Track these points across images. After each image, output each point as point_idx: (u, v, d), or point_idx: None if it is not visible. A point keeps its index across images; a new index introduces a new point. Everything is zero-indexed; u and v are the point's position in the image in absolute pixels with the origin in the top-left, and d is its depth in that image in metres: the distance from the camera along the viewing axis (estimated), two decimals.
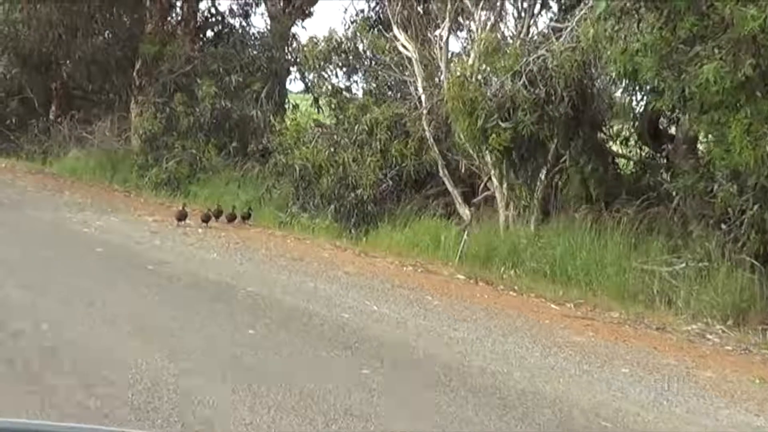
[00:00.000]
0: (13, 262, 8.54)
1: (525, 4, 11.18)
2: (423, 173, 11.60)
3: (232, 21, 16.75)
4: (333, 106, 13.19)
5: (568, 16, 10.55)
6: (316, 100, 14.11)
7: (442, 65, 11.22)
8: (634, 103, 10.69)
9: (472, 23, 11.74)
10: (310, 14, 16.07)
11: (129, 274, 8.45)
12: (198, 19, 16.51)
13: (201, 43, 16.14)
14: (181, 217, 11.22)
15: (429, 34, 12.13)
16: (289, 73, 15.47)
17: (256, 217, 11.91)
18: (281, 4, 15.82)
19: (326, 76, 13.21)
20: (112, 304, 7.15)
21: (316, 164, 11.74)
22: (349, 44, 12.57)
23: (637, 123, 11.14)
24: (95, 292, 7.50)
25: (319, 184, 11.69)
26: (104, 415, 4.71)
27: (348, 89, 12.98)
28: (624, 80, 8.76)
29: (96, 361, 5.65)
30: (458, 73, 10.54)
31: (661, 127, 11.31)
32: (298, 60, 14.66)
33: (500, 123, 9.74)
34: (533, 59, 9.74)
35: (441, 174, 11.42)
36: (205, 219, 11.33)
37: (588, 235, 9.60)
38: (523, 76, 9.70)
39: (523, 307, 8.26)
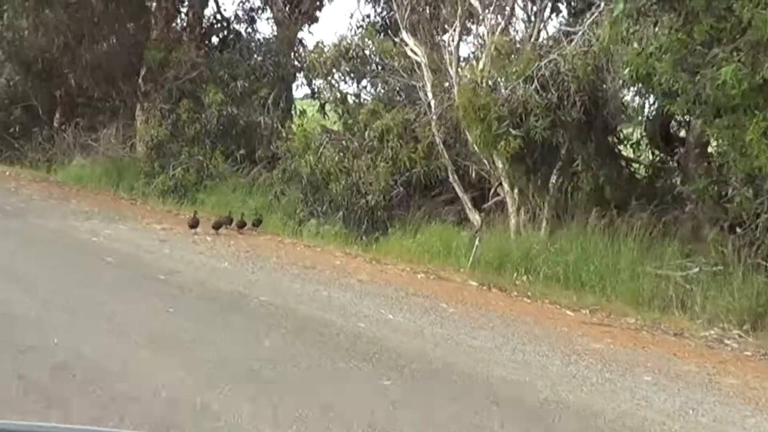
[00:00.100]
0: (22, 273, 8.43)
1: (535, 8, 11.10)
2: (432, 179, 11.51)
3: (237, 27, 16.68)
4: (340, 111, 13.11)
5: (579, 20, 10.48)
6: (322, 106, 14.03)
7: (452, 70, 11.13)
8: (646, 106, 10.61)
9: (481, 27, 11.67)
10: (316, 19, 15.98)
11: (140, 284, 8.35)
12: (203, 25, 16.43)
13: (206, 49, 16.03)
14: (194, 224, 11.15)
15: (437, 39, 12.05)
16: (295, 78, 15.37)
17: (264, 224, 11.83)
18: (287, 9, 15.72)
19: (334, 82, 13.12)
20: (125, 315, 7.05)
21: (324, 170, 11.66)
22: (357, 51, 12.46)
23: (647, 127, 11.06)
24: (107, 303, 7.41)
25: (328, 190, 11.61)
26: None
27: (357, 96, 12.87)
28: (637, 84, 8.68)
29: (111, 375, 5.54)
30: (468, 78, 10.46)
31: (671, 131, 11.24)
32: (305, 65, 14.56)
33: (511, 130, 9.67)
34: (545, 63, 9.66)
35: (451, 179, 11.33)
36: (217, 226, 11.25)
37: (601, 240, 9.53)
38: (535, 81, 9.62)
39: (538, 313, 8.18)
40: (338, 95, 12.92)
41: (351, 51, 12.53)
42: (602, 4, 9.81)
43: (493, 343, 6.91)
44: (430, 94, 11.52)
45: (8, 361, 5.68)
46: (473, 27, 12.25)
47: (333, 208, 11.58)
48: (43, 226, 11.46)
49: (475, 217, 11.09)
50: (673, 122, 11.06)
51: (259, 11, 16.71)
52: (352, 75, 12.93)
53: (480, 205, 11.20)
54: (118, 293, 7.87)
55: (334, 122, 13.54)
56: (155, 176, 14.23)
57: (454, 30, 11.42)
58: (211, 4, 16.70)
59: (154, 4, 16.16)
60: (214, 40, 16.73)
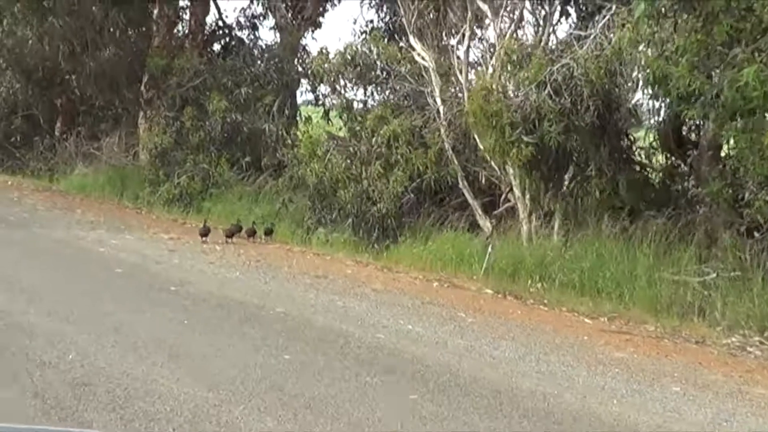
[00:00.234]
0: (31, 286, 8.27)
1: (544, 12, 10.98)
2: (442, 185, 11.38)
3: (239, 34, 16.57)
4: (346, 118, 12.96)
5: (590, 24, 10.37)
6: (326, 113, 13.90)
7: (461, 75, 11.01)
8: (662, 110, 10.50)
9: (489, 32, 11.56)
10: (319, 25, 15.88)
11: (152, 296, 8.19)
12: (205, 32, 16.31)
13: (209, 56, 15.92)
14: (205, 233, 11.02)
15: (445, 43, 11.93)
16: (299, 85, 15.25)
17: (273, 233, 11.67)
18: (290, 15, 15.61)
19: (338, 88, 12.96)
20: (139, 328, 6.89)
21: (332, 178, 11.53)
22: (363, 58, 12.30)
23: (660, 130, 10.96)
24: (119, 316, 7.25)
25: (336, 197, 11.48)
26: None
27: (364, 102, 12.73)
28: (654, 86, 8.56)
29: (131, 392, 5.38)
30: (479, 84, 10.33)
31: (683, 133, 11.13)
32: (309, 72, 14.43)
33: (523, 137, 9.55)
34: (557, 68, 9.54)
35: (461, 185, 11.20)
36: (230, 234, 11.12)
37: (616, 246, 9.40)
38: (548, 86, 9.50)
39: (557, 322, 8.05)
40: (344, 102, 12.75)
41: (357, 58, 12.38)
42: (613, 7, 9.71)
43: (515, 354, 6.78)
44: (438, 100, 11.39)
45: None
46: (480, 32, 12.14)
47: (342, 216, 11.44)
48: (47, 236, 11.33)
49: (485, 223, 10.96)
50: (684, 125, 10.95)
51: (261, 18, 16.61)
52: (357, 81, 12.77)
53: (490, 212, 11.07)
54: (132, 305, 7.71)
55: (339, 128, 13.41)
56: (160, 185, 14.09)
57: (463, 35, 11.31)
58: (213, 11, 16.62)
59: (156, 11, 16.05)
60: (217, 47, 16.66)
